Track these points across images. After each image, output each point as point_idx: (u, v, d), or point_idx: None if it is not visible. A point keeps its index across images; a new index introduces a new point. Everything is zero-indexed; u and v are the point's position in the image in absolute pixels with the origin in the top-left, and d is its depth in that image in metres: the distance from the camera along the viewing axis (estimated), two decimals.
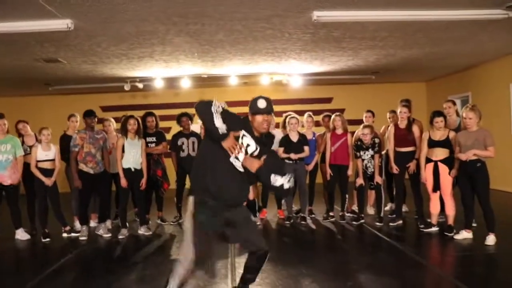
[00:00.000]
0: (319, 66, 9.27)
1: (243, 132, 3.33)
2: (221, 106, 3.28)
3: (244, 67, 8.95)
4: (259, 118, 3.30)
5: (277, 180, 3.22)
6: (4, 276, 5.03)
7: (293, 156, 6.83)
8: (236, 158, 3.28)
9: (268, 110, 3.32)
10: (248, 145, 3.32)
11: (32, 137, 6.86)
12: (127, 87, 9.79)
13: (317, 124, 7.61)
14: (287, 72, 9.89)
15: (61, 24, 5.49)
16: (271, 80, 10.33)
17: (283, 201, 7.49)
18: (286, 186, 3.25)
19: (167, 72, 9.13)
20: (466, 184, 5.60)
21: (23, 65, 7.90)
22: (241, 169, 3.33)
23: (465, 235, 5.63)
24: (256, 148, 3.33)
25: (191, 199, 3.38)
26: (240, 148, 3.27)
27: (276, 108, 7.48)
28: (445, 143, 5.86)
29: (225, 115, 3.25)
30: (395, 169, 6.49)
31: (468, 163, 5.50)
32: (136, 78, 9.66)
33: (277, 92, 11.59)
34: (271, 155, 3.43)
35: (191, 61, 8.17)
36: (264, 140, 3.42)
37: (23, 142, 6.71)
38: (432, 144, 5.96)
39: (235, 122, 3.32)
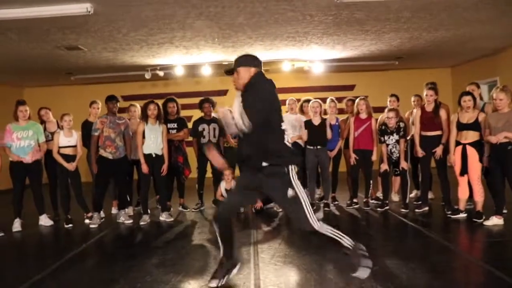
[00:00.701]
0: (341, 52, 9.07)
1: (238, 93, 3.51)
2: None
3: (265, 53, 8.81)
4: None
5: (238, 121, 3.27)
6: (26, 260, 5.08)
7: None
8: None
9: (230, 70, 3.56)
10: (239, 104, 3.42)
11: (54, 123, 6.90)
12: (147, 75, 9.77)
13: (340, 111, 7.45)
14: (308, 58, 9.72)
15: (81, 8, 5.44)
16: (293, 67, 10.18)
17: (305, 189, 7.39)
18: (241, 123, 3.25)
19: (187, 59, 9.06)
20: (497, 169, 5.41)
21: (45, 53, 7.92)
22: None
23: (495, 221, 5.43)
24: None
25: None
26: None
27: (298, 95, 7.44)
28: (475, 126, 5.66)
29: None
30: (420, 152, 6.29)
31: (498, 146, 5.32)
32: (157, 66, 9.62)
33: (299, 80, 11.47)
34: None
35: (211, 47, 8.08)
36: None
37: (45, 129, 6.76)
38: (461, 127, 5.77)
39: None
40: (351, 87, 11.82)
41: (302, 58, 9.69)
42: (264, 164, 3.46)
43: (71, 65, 9.07)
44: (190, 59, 9.07)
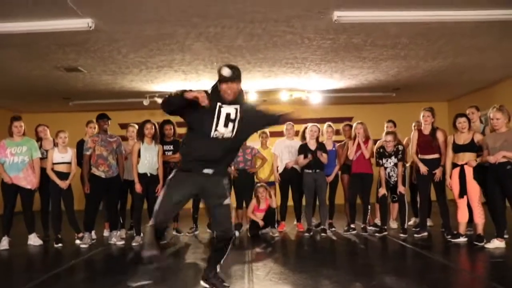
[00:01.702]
0: (339, 81, 9.15)
1: (218, 104, 3.49)
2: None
3: (264, 80, 8.88)
4: (223, 86, 3.48)
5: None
6: (11, 274, 4.91)
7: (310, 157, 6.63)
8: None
9: (231, 78, 3.46)
10: (228, 113, 3.51)
11: (51, 141, 6.83)
12: (146, 102, 9.79)
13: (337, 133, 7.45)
14: (306, 88, 9.79)
15: (82, 23, 5.48)
16: (291, 97, 10.22)
17: (302, 214, 7.26)
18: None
19: (186, 86, 9.10)
20: (496, 189, 5.33)
21: (44, 75, 7.95)
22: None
23: (496, 244, 5.30)
24: (236, 111, 3.53)
25: None
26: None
27: (296, 127, 7.40)
28: (471, 147, 5.62)
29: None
30: (425, 169, 6.09)
31: (497, 166, 5.26)
32: (155, 93, 9.66)
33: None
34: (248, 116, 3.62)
35: (210, 72, 8.13)
36: None
37: (40, 146, 6.67)
38: (457, 148, 5.73)
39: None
40: (348, 119, 11.79)
41: (300, 88, 9.75)
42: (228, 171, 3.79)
43: (69, 88, 9.09)
44: (189, 85, 9.11)
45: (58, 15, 5.30)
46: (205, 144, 3.54)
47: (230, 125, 3.54)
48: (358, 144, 6.75)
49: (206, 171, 3.60)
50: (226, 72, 3.47)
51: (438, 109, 11.17)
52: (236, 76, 3.50)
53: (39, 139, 6.82)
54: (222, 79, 3.49)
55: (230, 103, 3.52)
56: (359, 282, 4.03)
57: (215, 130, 3.50)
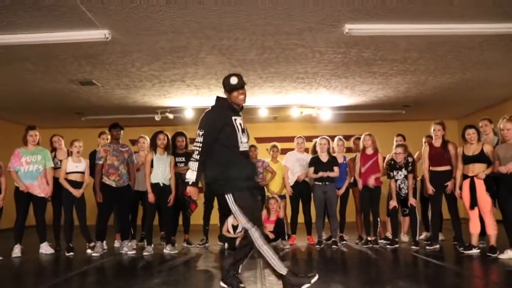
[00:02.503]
0: (349, 97, 9.23)
1: (234, 117, 3.84)
2: (196, 144, 3.77)
3: (275, 96, 8.98)
4: (235, 94, 3.88)
5: None
6: (24, 278, 4.93)
7: (321, 173, 6.66)
8: None
9: (241, 85, 3.88)
10: (240, 123, 3.88)
11: (65, 152, 6.93)
12: (157, 117, 9.91)
13: (349, 150, 7.49)
14: (316, 105, 9.88)
15: (99, 34, 5.62)
16: (301, 114, 10.31)
17: (312, 227, 7.25)
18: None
19: (198, 101, 9.23)
20: (509, 199, 5.31)
21: (58, 88, 8.11)
22: None
23: (510, 254, 5.26)
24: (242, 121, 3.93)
25: None
26: None
27: (306, 144, 7.47)
28: (480, 158, 5.64)
29: (203, 136, 3.76)
30: (431, 189, 6.20)
31: (509, 176, 5.25)
32: (167, 109, 9.79)
33: (307, 129, 11.56)
34: None
35: (222, 88, 8.21)
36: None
37: (54, 156, 6.77)
38: (467, 159, 5.75)
39: (218, 116, 3.84)
40: (357, 138, 11.86)
41: (310, 105, 9.84)
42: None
43: (83, 102, 9.25)
44: (200, 101, 9.23)
45: (77, 26, 5.43)
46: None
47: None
48: (368, 156, 6.78)
49: None
50: (235, 80, 3.84)
51: (448, 128, 11.20)
52: (243, 81, 3.91)
53: (53, 150, 6.92)
54: (233, 88, 3.86)
55: (238, 113, 3.92)
56: (373, 286, 4.01)
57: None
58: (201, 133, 3.77)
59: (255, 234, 3.68)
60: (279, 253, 5.33)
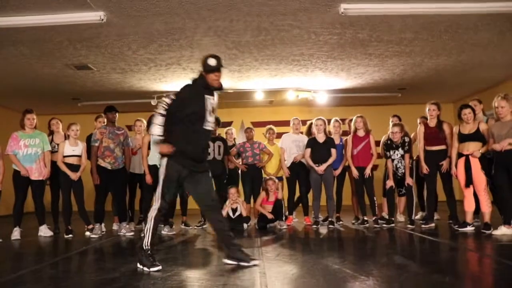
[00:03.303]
0: (345, 80, 9.26)
1: (206, 96, 3.96)
2: (164, 101, 3.93)
3: (271, 80, 9.00)
4: (211, 75, 3.95)
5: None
6: (25, 256, 4.96)
7: (318, 169, 6.69)
8: None
9: (217, 68, 3.94)
10: (211, 103, 4.01)
11: (62, 136, 6.92)
12: (154, 102, 9.90)
13: (344, 134, 7.53)
14: (312, 88, 9.90)
15: (94, 16, 5.61)
16: (297, 98, 10.33)
17: (309, 208, 7.31)
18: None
19: None
20: (503, 176, 5.38)
21: (53, 73, 8.10)
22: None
23: (504, 230, 5.34)
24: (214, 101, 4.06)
25: None
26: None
27: (302, 128, 7.50)
28: (476, 136, 5.71)
29: (173, 101, 3.88)
30: (425, 169, 6.26)
31: (503, 154, 5.32)
32: (163, 93, 9.78)
33: (302, 113, 11.54)
34: None
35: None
36: None
37: (52, 140, 6.78)
38: (463, 138, 5.81)
39: (190, 94, 3.95)
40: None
41: (306, 88, 9.86)
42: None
43: (78, 87, 9.24)
44: None
45: (71, 8, 5.44)
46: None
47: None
48: (360, 138, 6.82)
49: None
50: (213, 62, 3.93)
51: (443, 112, 11.00)
52: (222, 63, 3.98)
53: (50, 133, 6.93)
54: (209, 69, 3.94)
55: (211, 93, 4.02)
56: (369, 261, 4.07)
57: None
58: (172, 97, 3.93)
59: (154, 205, 3.98)
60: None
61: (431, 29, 6.51)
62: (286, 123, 8.46)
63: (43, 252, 5.39)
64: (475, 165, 5.66)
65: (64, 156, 6.35)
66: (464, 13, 5.85)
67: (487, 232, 5.45)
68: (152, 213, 3.96)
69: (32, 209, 6.55)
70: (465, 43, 7.09)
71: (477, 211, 5.99)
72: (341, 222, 7.08)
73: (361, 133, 6.85)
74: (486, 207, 5.60)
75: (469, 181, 5.72)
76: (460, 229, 5.80)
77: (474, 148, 5.70)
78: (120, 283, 3.40)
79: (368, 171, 6.66)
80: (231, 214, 6.82)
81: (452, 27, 6.42)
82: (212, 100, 4.03)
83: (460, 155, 5.85)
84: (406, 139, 6.56)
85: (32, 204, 6.47)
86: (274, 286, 3.18)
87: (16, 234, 6.17)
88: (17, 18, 5.65)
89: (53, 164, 6.50)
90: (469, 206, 5.82)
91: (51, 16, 5.65)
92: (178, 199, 7.18)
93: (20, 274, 3.85)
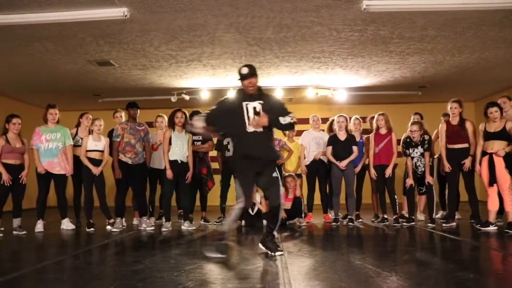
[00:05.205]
0: (365, 78, 9.20)
1: (244, 103, 4.31)
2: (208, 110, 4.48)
3: (291, 77, 8.99)
4: (245, 82, 4.32)
5: (285, 120, 4.29)
6: (47, 248, 5.06)
7: (342, 165, 6.68)
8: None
9: (249, 74, 4.29)
10: (254, 107, 4.30)
11: (86, 130, 7.01)
12: (174, 99, 9.98)
13: (365, 132, 7.50)
14: (332, 85, 9.86)
15: (118, 12, 5.67)
16: (316, 96, 10.30)
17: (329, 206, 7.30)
18: (291, 121, 4.34)
19: (213, 82, 9.28)
20: None
21: (76, 69, 8.21)
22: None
23: None
24: (260, 105, 4.31)
25: None
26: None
27: (321, 126, 7.51)
28: (502, 135, 5.62)
29: (214, 112, 4.43)
30: (447, 167, 6.20)
31: None
32: (183, 90, 9.85)
33: (322, 111, 11.49)
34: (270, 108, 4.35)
35: (238, 67, 8.24)
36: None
37: (76, 134, 6.89)
38: (488, 136, 5.73)
39: (230, 104, 4.44)
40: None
41: (326, 85, 9.83)
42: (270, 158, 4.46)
43: (99, 84, 9.35)
44: (216, 82, 9.27)
45: (96, 4, 5.50)
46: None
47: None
48: (382, 136, 6.77)
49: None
50: (245, 70, 4.31)
51: (464, 110, 11.07)
52: (253, 71, 4.31)
53: (78, 125, 7.04)
54: (242, 77, 4.32)
55: (254, 98, 4.31)
56: (390, 257, 4.06)
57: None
58: (213, 107, 4.49)
59: (238, 205, 4.37)
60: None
61: (454, 26, 6.42)
62: (305, 121, 8.43)
63: (66, 245, 5.50)
64: (499, 163, 5.59)
65: (87, 151, 6.45)
66: (490, 9, 5.76)
67: (510, 232, 5.37)
68: (237, 206, 4.43)
69: (55, 203, 6.66)
70: (489, 40, 6.98)
71: (501, 211, 5.91)
72: (360, 220, 7.05)
73: (383, 130, 6.81)
74: (510, 207, 5.52)
75: (492, 180, 5.64)
76: (482, 229, 5.73)
77: (498, 146, 5.62)
78: (143, 274, 3.44)
79: (389, 170, 6.61)
80: (250, 210, 6.83)
81: (476, 23, 6.32)
82: (254, 105, 4.33)
83: (484, 153, 5.77)
84: (426, 137, 6.50)
85: (55, 198, 6.59)
86: (297, 280, 3.19)
87: (39, 226, 6.29)
88: (43, 14, 5.72)
89: (76, 158, 6.61)
90: (493, 205, 5.74)
91: (76, 12, 5.72)
92: (198, 195, 7.27)
93: (44, 265, 3.93)
